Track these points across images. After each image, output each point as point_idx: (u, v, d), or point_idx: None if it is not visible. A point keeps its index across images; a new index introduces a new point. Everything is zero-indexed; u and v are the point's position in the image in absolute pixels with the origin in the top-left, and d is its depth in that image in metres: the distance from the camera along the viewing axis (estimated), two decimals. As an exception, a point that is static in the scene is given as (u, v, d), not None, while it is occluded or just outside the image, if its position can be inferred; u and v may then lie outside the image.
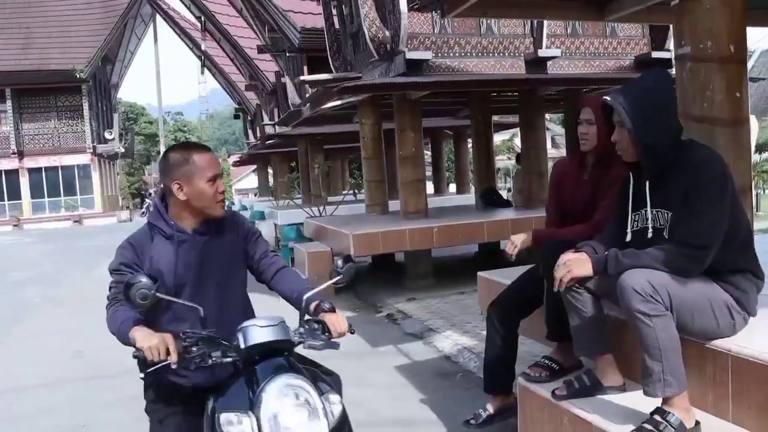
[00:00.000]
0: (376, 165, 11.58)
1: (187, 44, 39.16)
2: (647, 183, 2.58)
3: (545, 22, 10.09)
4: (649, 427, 2.33)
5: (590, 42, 10.92)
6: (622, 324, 2.95)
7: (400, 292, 8.94)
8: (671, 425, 2.31)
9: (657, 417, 2.35)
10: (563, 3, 5.10)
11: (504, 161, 37.37)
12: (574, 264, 2.55)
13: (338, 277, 2.45)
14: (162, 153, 2.48)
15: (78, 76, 36.06)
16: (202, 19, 28.01)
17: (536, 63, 10.29)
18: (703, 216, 2.37)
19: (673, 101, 2.53)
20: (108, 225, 33.96)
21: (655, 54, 10.93)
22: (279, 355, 2.18)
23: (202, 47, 31.56)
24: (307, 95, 14.55)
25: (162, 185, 2.50)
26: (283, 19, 15.06)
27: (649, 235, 2.57)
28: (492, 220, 9.31)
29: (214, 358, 2.13)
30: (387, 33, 9.58)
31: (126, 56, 48.14)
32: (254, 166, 52.32)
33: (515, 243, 3.54)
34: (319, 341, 2.22)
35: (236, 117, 38.21)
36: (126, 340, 2.25)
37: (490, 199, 11.42)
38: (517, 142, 42.74)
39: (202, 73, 37.76)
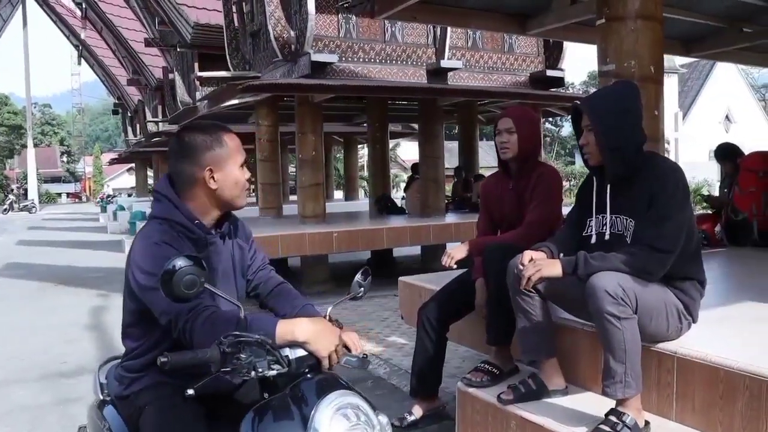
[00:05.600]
0: (272, 167, 11.43)
1: (63, 31, 36.80)
2: (608, 188, 2.66)
3: (448, 34, 10.32)
4: (606, 428, 2.38)
5: (489, 56, 11.26)
6: (560, 328, 3.04)
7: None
8: (627, 425, 2.37)
9: (613, 418, 2.41)
10: (486, 14, 5.27)
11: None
12: (544, 264, 2.56)
13: (360, 290, 2.19)
14: (177, 134, 2.11)
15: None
16: (83, 5, 26.53)
17: (437, 73, 10.50)
18: (668, 221, 2.47)
19: (638, 111, 2.62)
20: (-37, 221, 31.35)
21: (549, 72, 11.45)
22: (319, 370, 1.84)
23: (82, 36, 29.84)
24: (198, 92, 14.12)
25: (174, 172, 2.11)
26: (175, 12, 14.49)
27: (606, 238, 2.64)
28: (392, 227, 9.37)
29: (260, 370, 1.69)
30: (292, 33, 9.45)
31: (-11, 40, 44.84)
32: (129, 165, 50.06)
33: (453, 256, 3.44)
34: (354, 357, 1.93)
35: (115, 113, 36.43)
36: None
37: (384, 206, 11.53)
38: (399, 152, 43.44)
39: (79, 63, 35.72)
